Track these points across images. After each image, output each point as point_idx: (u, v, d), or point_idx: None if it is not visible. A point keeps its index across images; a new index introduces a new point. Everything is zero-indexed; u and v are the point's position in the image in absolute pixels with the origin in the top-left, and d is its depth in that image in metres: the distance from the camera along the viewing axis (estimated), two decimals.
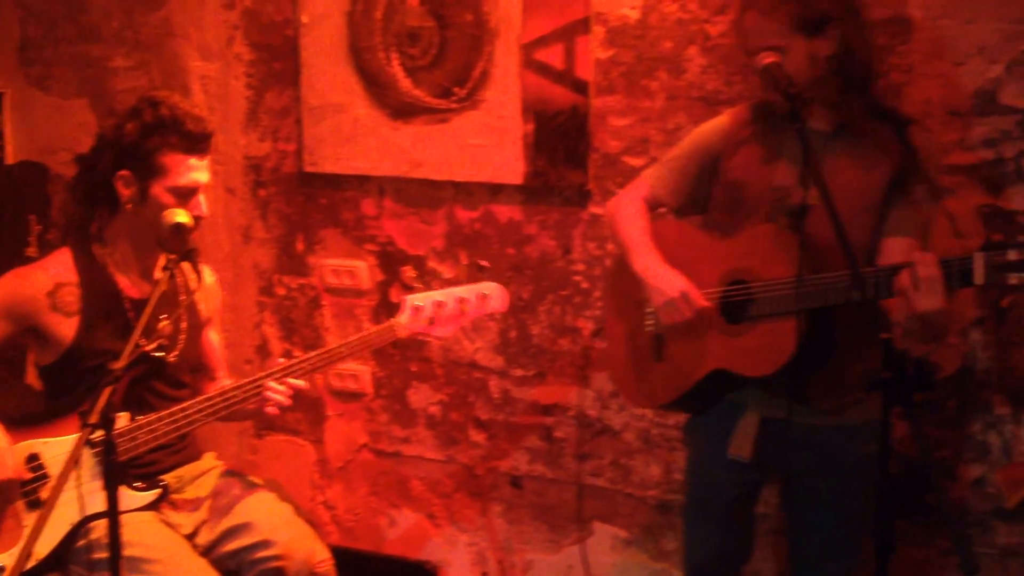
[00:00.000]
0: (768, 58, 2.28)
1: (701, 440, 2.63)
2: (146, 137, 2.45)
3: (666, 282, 2.43)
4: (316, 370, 2.55)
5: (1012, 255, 2.01)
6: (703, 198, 2.55)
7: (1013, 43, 2.59)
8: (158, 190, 2.46)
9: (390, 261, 3.45)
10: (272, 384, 2.48)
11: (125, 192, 2.48)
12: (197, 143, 2.49)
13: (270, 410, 2.51)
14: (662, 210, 2.64)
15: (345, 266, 3.51)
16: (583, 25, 3.05)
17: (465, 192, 3.32)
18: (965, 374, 2.74)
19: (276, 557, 2.50)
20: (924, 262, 2.07)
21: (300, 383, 2.51)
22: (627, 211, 2.59)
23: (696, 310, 2.40)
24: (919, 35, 2.69)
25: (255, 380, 2.50)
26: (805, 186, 2.33)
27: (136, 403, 2.48)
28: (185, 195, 2.47)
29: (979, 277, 2.05)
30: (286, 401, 2.50)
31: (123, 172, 2.48)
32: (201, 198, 2.51)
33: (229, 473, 2.70)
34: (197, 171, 2.50)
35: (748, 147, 2.46)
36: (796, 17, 2.28)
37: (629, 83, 3.04)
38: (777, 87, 2.26)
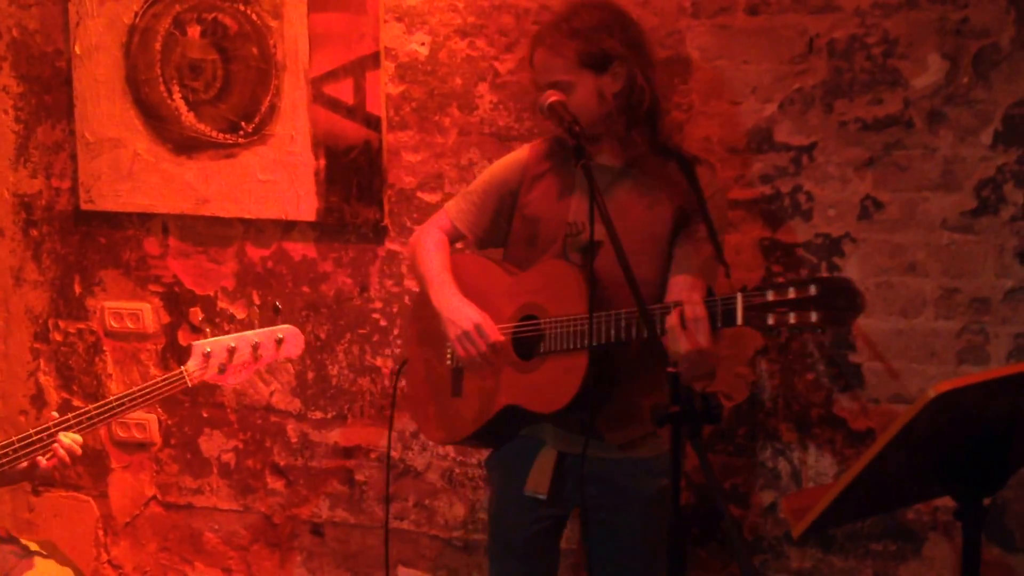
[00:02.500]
0: (552, 96, 2.32)
1: (500, 477, 2.61)
2: None
3: (461, 315, 2.43)
4: (96, 424, 2.38)
5: (771, 296, 2.06)
6: (503, 232, 2.56)
7: (786, 83, 2.72)
8: None
9: (177, 302, 3.29)
10: (63, 437, 2.29)
11: None
12: None
13: (48, 461, 2.32)
14: (459, 245, 2.64)
15: (128, 309, 3.33)
16: (373, 60, 3.01)
17: (256, 229, 3.21)
18: (753, 403, 2.84)
19: None
20: (691, 302, 2.12)
21: (78, 439, 2.34)
22: (427, 244, 2.58)
23: (490, 343, 2.40)
24: (698, 75, 2.78)
25: (23, 438, 2.30)
26: (592, 222, 2.36)
27: None
28: None
29: (740, 318, 2.10)
30: (67, 460, 2.32)
31: None
32: None
33: (3, 539, 2.49)
34: None
35: (543, 182, 2.49)
36: (582, 54, 2.33)
37: (421, 119, 3.02)
38: (562, 124, 2.29)
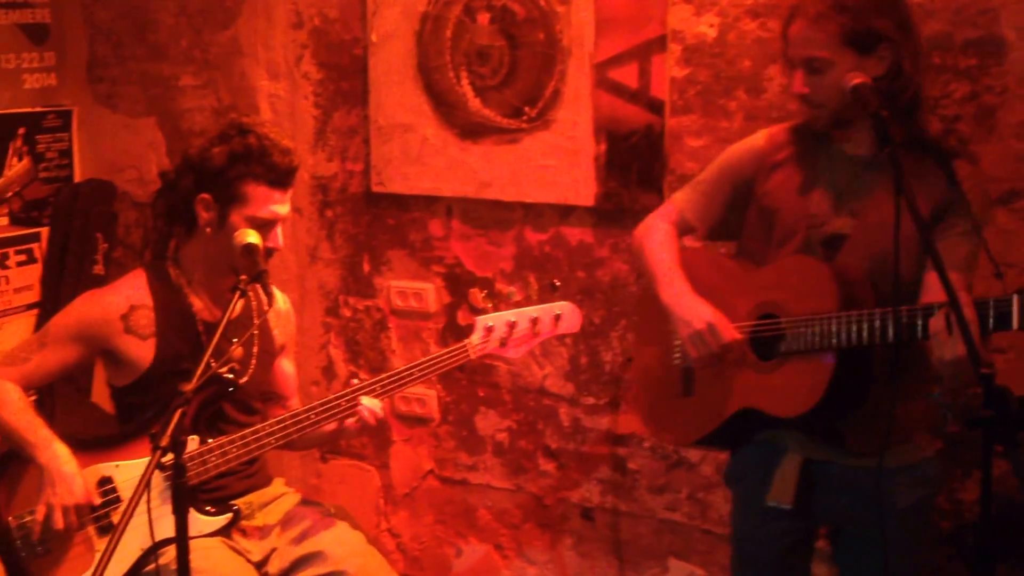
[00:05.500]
0: (857, 79, 2.15)
1: (743, 487, 2.47)
2: (231, 164, 2.43)
3: (693, 312, 2.31)
4: (388, 391, 2.51)
5: None
6: (736, 223, 2.43)
7: None
8: (237, 218, 2.43)
9: (457, 283, 3.38)
10: (366, 401, 2.45)
11: (204, 215, 2.46)
12: (281, 176, 2.46)
13: (352, 423, 2.48)
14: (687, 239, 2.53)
15: (412, 288, 3.46)
16: (659, 43, 2.98)
17: (535, 213, 3.25)
18: None
19: None
20: (961, 304, 1.93)
21: (378, 403, 2.48)
22: (655, 237, 2.45)
23: (723, 344, 2.28)
24: (1013, 56, 2.57)
25: (326, 402, 2.46)
26: (839, 214, 2.25)
27: (206, 427, 2.45)
28: (263, 226, 2.43)
29: (1016, 321, 1.92)
30: (371, 421, 2.46)
31: (204, 195, 2.45)
32: (278, 230, 2.48)
33: (301, 501, 2.66)
34: (278, 204, 2.46)
35: (783, 171, 2.34)
36: (848, 30, 2.16)
37: (706, 102, 2.96)
38: (867, 109, 2.13)
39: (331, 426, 2.49)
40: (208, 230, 2.46)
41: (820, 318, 2.17)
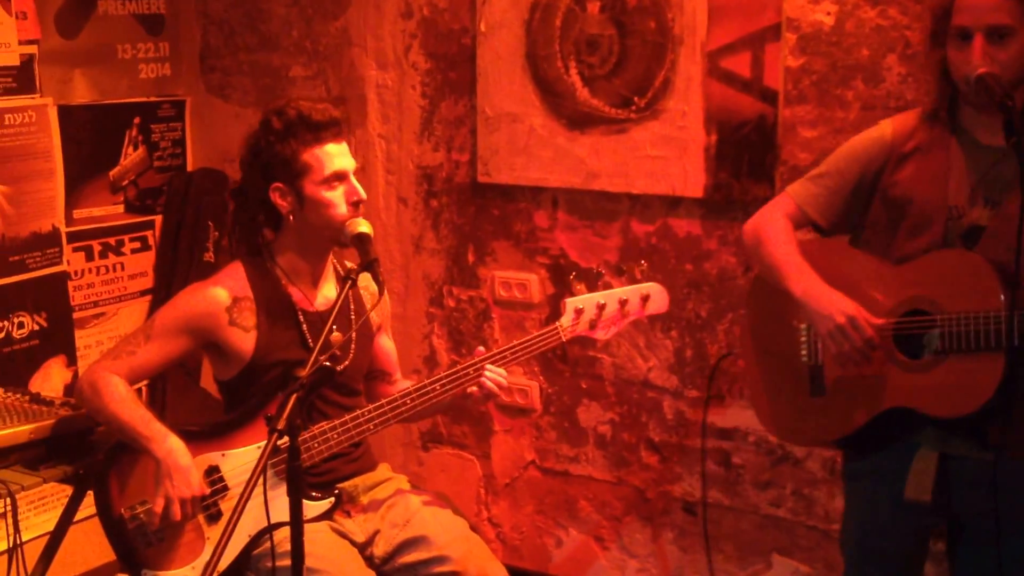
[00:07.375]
0: (982, 68, 2.12)
1: (869, 483, 2.40)
2: (280, 143, 2.47)
3: (832, 306, 2.26)
4: (476, 376, 2.49)
5: None
6: (856, 216, 2.37)
7: None
8: (310, 189, 2.47)
9: (561, 274, 3.37)
10: (490, 372, 2.46)
11: (282, 203, 2.50)
12: (327, 130, 2.48)
13: (475, 391, 2.48)
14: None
15: (516, 278, 3.45)
16: (773, 32, 2.92)
17: (642, 205, 3.22)
18: None
19: (453, 574, 2.46)
20: None
21: (502, 371, 2.50)
22: (774, 230, 2.41)
23: (866, 338, 2.23)
24: None
25: (422, 388, 2.46)
26: (975, 205, 2.19)
27: (306, 412, 2.47)
28: (336, 185, 2.47)
29: None
30: (496, 389, 2.47)
31: (276, 184, 2.49)
32: (354, 182, 2.51)
33: (407, 485, 2.67)
34: (338, 157, 2.49)
35: (914, 161, 2.28)
36: None
37: (821, 92, 2.89)
38: (992, 98, 2.10)
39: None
40: (291, 217, 2.50)
41: (987, 315, 2.12)
